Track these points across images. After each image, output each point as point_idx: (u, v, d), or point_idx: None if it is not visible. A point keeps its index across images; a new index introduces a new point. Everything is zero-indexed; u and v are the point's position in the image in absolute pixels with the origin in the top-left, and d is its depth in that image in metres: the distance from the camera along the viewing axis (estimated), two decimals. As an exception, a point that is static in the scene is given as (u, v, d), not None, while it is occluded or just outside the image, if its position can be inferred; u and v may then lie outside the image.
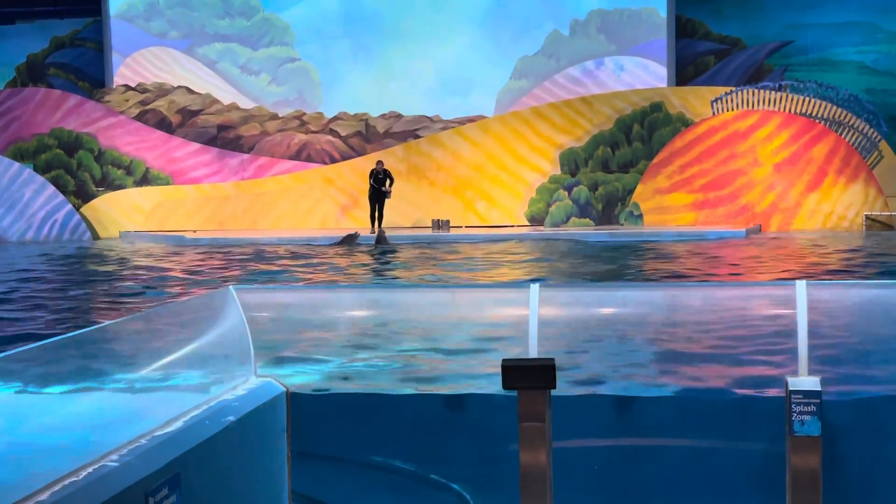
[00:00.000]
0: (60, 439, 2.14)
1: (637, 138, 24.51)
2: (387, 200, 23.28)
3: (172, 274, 13.81)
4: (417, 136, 25.95)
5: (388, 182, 23.09)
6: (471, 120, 25.83)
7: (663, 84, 25.19)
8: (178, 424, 2.43)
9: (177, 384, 2.72)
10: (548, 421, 2.69)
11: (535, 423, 2.67)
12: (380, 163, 23.39)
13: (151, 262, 16.26)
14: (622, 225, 24.13)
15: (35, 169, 25.71)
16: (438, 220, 23.86)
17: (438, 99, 26.36)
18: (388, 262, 15.82)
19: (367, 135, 26.41)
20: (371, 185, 23.11)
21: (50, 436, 2.12)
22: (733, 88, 24.05)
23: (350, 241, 20.10)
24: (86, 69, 27.69)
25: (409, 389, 3.06)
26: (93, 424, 2.28)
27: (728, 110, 23.92)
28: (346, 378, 3.08)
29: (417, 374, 3.09)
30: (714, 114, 24.00)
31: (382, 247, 19.35)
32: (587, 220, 24.36)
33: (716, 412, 2.95)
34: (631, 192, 24.35)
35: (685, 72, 25.40)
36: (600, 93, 25.06)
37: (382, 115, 26.59)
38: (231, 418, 2.62)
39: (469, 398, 3.04)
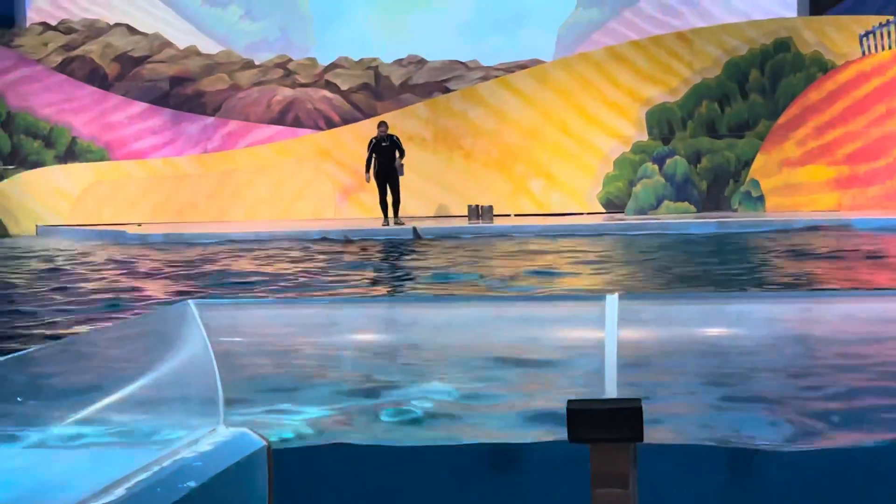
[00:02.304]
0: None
1: (756, 89, 24.36)
2: (402, 179, 23.24)
3: (114, 283, 13.92)
4: (447, 90, 25.96)
5: (397, 154, 22.91)
6: (522, 66, 25.80)
7: (792, 13, 25.03)
8: (120, 492, 2.44)
9: (115, 437, 2.74)
10: (632, 485, 2.68)
11: (615, 488, 2.65)
12: (382, 126, 23.19)
13: (83, 268, 16.39)
14: (735, 210, 24.01)
15: (-80, 140, 26.01)
16: (478, 206, 23.85)
17: (476, 37, 26.35)
18: (404, 267, 15.84)
19: (376, 88, 26.46)
20: (371, 160, 22.87)
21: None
22: (891, 18, 23.85)
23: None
24: (-11, 2, 27.98)
25: (434, 440, 3.06)
26: None
27: (883, 49, 23.71)
28: (348, 426, 3.09)
29: (446, 421, 3.09)
30: (864, 54, 23.81)
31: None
32: (686, 203, 24.27)
33: (869, 470, 2.93)
34: (748, 164, 24.21)
35: (823, -5, 25.29)
36: (703, 26, 24.92)
37: (398, 62, 26.62)
38: (191, 484, 2.63)
39: (519, 454, 3.04)
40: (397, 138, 23.17)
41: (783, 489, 3.00)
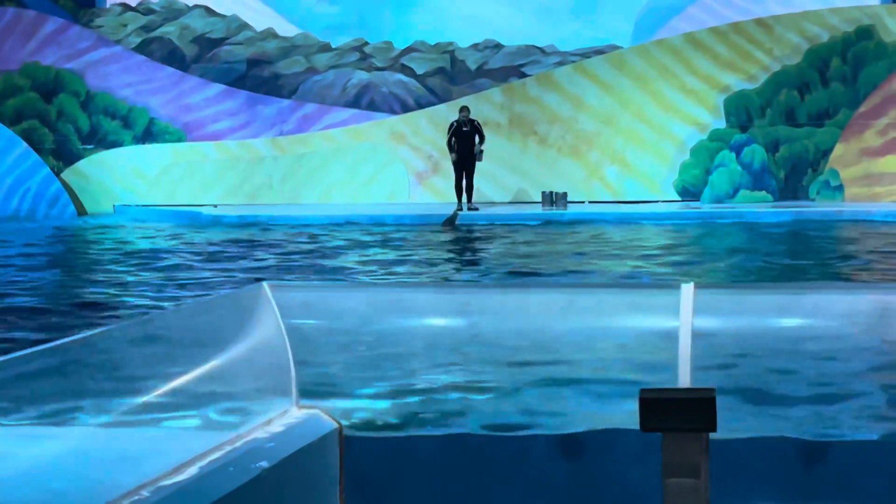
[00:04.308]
0: (31, 491, 2.18)
1: (836, 77, 24.05)
2: (478, 165, 23.27)
3: (189, 264, 14.06)
4: (523, 75, 25.86)
5: (477, 139, 23.05)
6: (599, 51, 25.64)
7: (875, 0, 24.62)
8: (192, 471, 2.47)
9: (190, 417, 2.77)
10: (704, 475, 2.66)
11: (687, 478, 2.64)
12: (464, 111, 23.32)
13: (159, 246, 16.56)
14: (814, 200, 23.73)
15: (0, 119, 26.35)
16: (552, 192, 23.78)
17: (553, 22, 26.21)
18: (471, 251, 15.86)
19: (452, 72, 26.42)
20: (452, 143, 23.07)
21: (16, 487, 2.17)
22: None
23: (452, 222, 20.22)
24: (70, -17, 28.24)
25: (504, 427, 3.06)
26: (76, 470, 2.32)
27: (969, 37, 23.34)
28: (420, 411, 3.10)
29: (521, 407, 3.09)
30: (949, 42, 23.46)
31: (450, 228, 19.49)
32: (763, 192, 24.04)
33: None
34: (827, 153, 23.92)
35: (907, -18, 24.91)
36: (784, 12, 24.62)
37: (474, 46, 26.54)
38: (263, 464, 2.66)
39: (591, 442, 3.03)
40: (479, 123, 23.24)
41: (859, 481, 2.97)
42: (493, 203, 24.35)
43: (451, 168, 23.36)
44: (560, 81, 25.28)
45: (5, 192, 25.54)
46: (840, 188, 23.75)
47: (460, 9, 26.56)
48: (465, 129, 23.05)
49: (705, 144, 24.60)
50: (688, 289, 2.95)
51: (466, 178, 23.13)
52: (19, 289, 11.93)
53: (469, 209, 22.61)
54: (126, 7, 27.93)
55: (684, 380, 2.83)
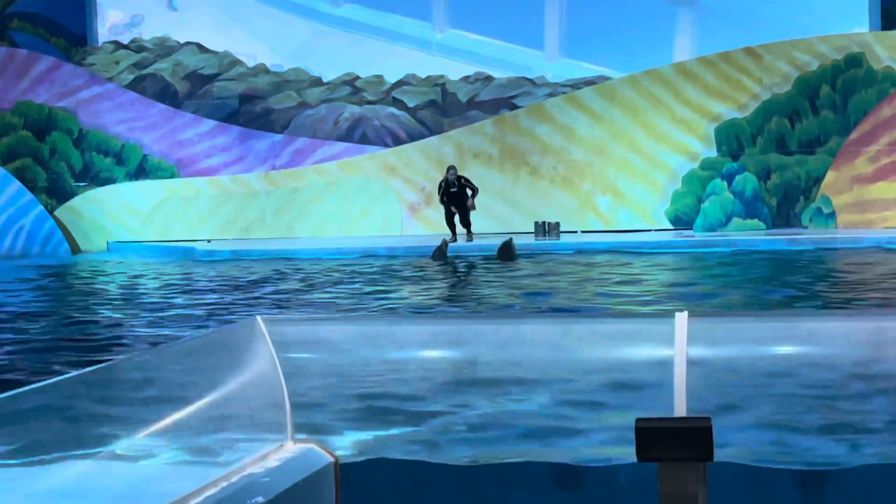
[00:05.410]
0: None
1: (826, 105, 24.13)
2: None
3: (183, 300, 14.05)
4: (514, 107, 25.93)
5: (469, 192, 22.96)
6: (589, 83, 25.72)
7: (864, 28, 24.73)
8: (187, 508, 2.45)
9: (184, 452, 2.75)
10: (702, 505, 2.66)
11: (684, 508, 2.63)
12: (451, 170, 23.17)
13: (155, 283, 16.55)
14: (806, 227, 23.77)
15: (-6, 158, 26.36)
16: (545, 222, 23.81)
17: (543, 54, 26.28)
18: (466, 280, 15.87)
19: (443, 105, 26.49)
20: (443, 202, 23.04)
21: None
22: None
23: (442, 254, 20.32)
24: (62, 21, 28.33)
25: (501, 458, 3.05)
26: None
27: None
28: (417, 443, 3.09)
29: (517, 438, 3.08)
30: (937, 69, 23.55)
31: (439, 260, 19.67)
32: (756, 220, 24.08)
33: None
34: (818, 181, 23.97)
35: None
36: (773, 41, 24.72)
37: (465, 78, 26.63)
38: (259, 499, 2.65)
39: (587, 472, 3.02)
40: (466, 179, 23.20)
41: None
42: (484, 234, 24.35)
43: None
44: (551, 112, 25.34)
45: (-2, 231, 25.54)
46: (832, 215, 23.80)
47: (450, 41, 26.65)
48: (453, 189, 23.03)
49: (697, 173, 24.65)
50: (682, 317, 2.95)
51: (462, 216, 23.08)
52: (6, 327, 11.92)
53: (466, 240, 22.66)
54: (118, 45, 28.03)
55: (680, 409, 2.82)
